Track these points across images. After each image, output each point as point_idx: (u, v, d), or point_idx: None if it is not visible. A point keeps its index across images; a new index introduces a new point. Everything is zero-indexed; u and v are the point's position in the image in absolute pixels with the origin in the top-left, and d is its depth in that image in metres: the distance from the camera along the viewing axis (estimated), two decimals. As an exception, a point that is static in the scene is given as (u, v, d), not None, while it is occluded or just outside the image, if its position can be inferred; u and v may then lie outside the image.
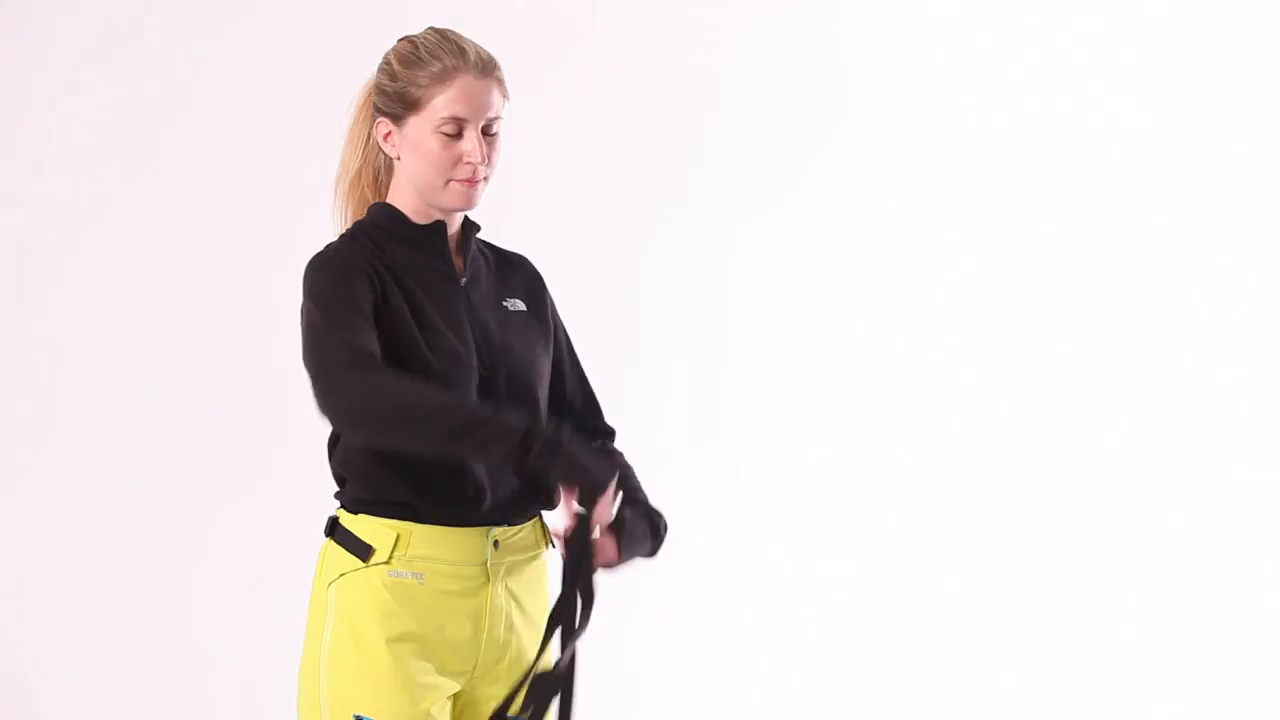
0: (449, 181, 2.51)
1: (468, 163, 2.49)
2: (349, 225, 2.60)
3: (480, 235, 2.66)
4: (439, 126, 2.48)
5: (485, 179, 2.52)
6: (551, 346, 2.66)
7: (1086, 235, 4.78)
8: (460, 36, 2.52)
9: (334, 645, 2.50)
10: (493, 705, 2.57)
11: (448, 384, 2.46)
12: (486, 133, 2.50)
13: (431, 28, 2.55)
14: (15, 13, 4.42)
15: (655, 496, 4.69)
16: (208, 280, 4.45)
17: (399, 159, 2.54)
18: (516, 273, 2.67)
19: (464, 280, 2.57)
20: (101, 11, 4.44)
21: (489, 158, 2.50)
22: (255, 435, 4.43)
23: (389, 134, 2.53)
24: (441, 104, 2.48)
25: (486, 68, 2.49)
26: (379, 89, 2.52)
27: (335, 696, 2.49)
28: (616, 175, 4.67)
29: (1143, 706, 4.66)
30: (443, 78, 2.47)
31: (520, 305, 2.62)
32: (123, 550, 4.41)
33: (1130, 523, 4.74)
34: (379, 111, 2.53)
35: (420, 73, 2.48)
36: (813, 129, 4.77)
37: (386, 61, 2.53)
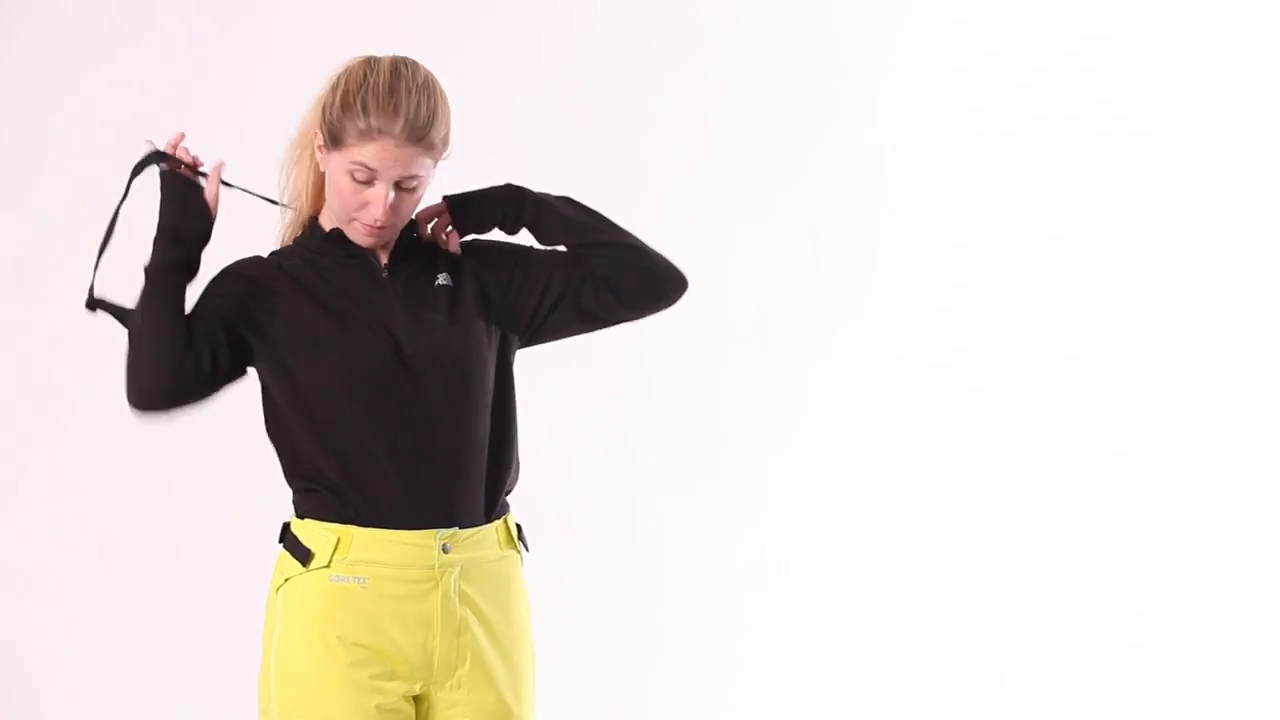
0: (353, 220, 2.52)
1: (367, 209, 2.49)
2: (286, 200, 2.63)
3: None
4: (351, 170, 2.48)
5: (393, 225, 2.52)
6: (498, 297, 2.62)
7: (1094, 239, 4.77)
8: (405, 93, 2.47)
9: (281, 652, 2.50)
10: (455, 711, 2.55)
11: (364, 367, 2.48)
12: (402, 188, 2.50)
13: (392, 68, 2.50)
14: (16, 13, 4.42)
15: (656, 497, 4.71)
16: (208, 280, 4.44)
17: (323, 169, 2.55)
18: (448, 253, 2.66)
19: (386, 274, 2.57)
20: (102, 11, 4.44)
21: (398, 210, 2.50)
22: (255, 435, 4.41)
23: (321, 147, 2.53)
24: (357, 153, 2.46)
25: (414, 134, 2.46)
26: (325, 104, 2.51)
27: (283, 704, 2.49)
28: (616, 176, 4.67)
29: (1142, 706, 4.66)
30: (366, 135, 2.45)
31: (445, 280, 2.60)
32: (123, 550, 4.42)
33: (1133, 524, 4.74)
34: (320, 123, 2.52)
35: (350, 121, 2.46)
36: (817, 131, 4.76)
37: (337, 83, 2.50)
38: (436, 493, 2.50)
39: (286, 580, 2.51)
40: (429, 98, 2.48)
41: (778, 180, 4.75)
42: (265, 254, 2.64)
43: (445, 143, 2.52)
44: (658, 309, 2.67)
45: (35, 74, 4.41)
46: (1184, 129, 4.77)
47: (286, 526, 2.55)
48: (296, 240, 2.62)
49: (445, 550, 2.50)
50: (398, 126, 2.45)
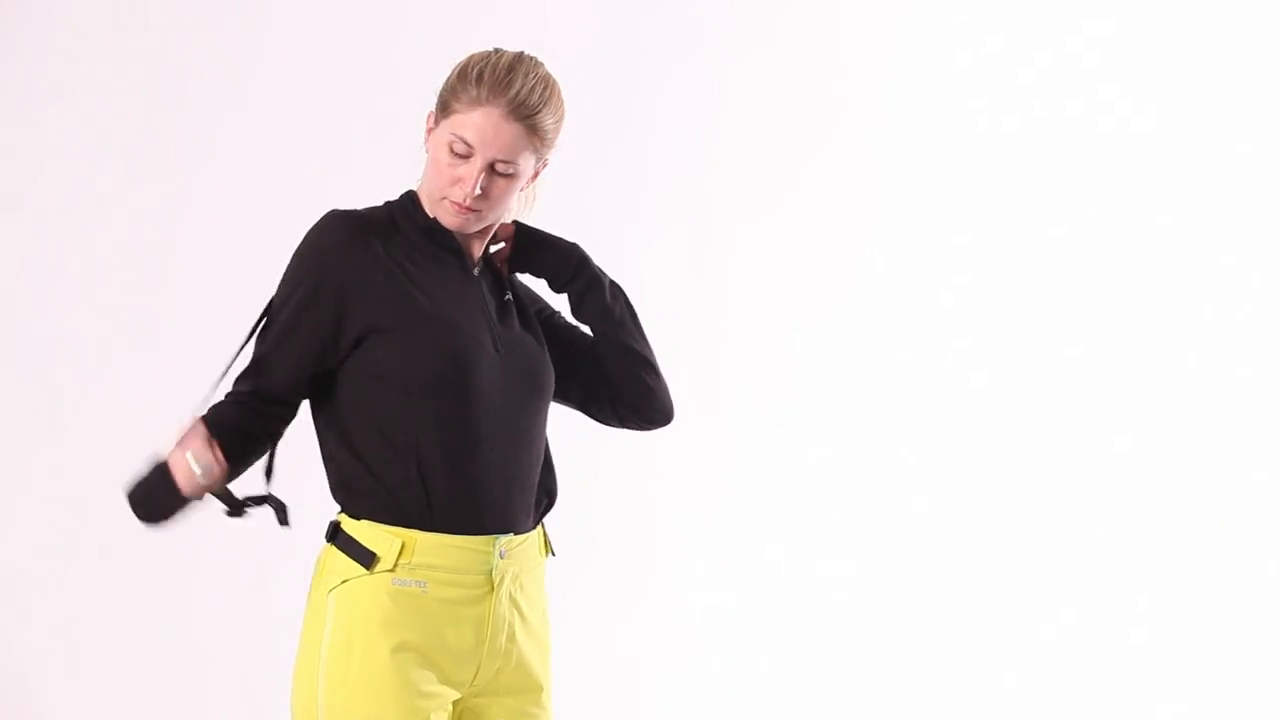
0: (444, 198, 2.53)
1: (459, 186, 2.51)
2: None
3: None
4: (451, 141, 2.50)
5: (480, 211, 2.53)
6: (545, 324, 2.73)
7: (1097, 239, 4.77)
8: (522, 74, 2.51)
9: (332, 653, 2.49)
10: (492, 712, 2.59)
11: (460, 365, 2.49)
12: (497, 171, 2.51)
13: (517, 55, 2.54)
14: (15, 12, 4.42)
15: (654, 498, 4.71)
16: (207, 280, 4.45)
17: (426, 152, 2.57)
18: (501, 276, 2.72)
19: (476, 270, 2.60)
20: (101, 11, 4.44)
21: (489, 193, 2.51)
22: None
23: (430, 125, 2.56)
24: (459, 122, 2.49)
25: (520, 110, 2.49)
26: (444, 81, 2.56)
27: (333, 706, 2.48)
28: (615, 175, 4.67)
29: (1145, 707, 4.66)
30: (474, 102, 2.49)
31: (509, 297, 2.66)
32: (123, 550, 4.41)
33: (1136, 524, 4.74)
34: (436, 99, 2.57)
35: (463, 89, 2.50)
36: (817, 130, 4.76)
37: (459, 63, 2.56)
38: (501, 499, 2.53)
39: (343, 582, 2.50)
40: (545, 89, 2.52)
41: (777, 180, 4.74)
42: (380, 203, 2.63)
43: (549, 141, 2.55)
44: (636, 427, 2.82)
45: (33, 74, 4.41)
46: (1187, 129, 4.76)
47: (337, 525, 2.54)
48: (402, 209, 2.60)
49: (502, 556, 2.53)
50: (506, 97, 2.48)
